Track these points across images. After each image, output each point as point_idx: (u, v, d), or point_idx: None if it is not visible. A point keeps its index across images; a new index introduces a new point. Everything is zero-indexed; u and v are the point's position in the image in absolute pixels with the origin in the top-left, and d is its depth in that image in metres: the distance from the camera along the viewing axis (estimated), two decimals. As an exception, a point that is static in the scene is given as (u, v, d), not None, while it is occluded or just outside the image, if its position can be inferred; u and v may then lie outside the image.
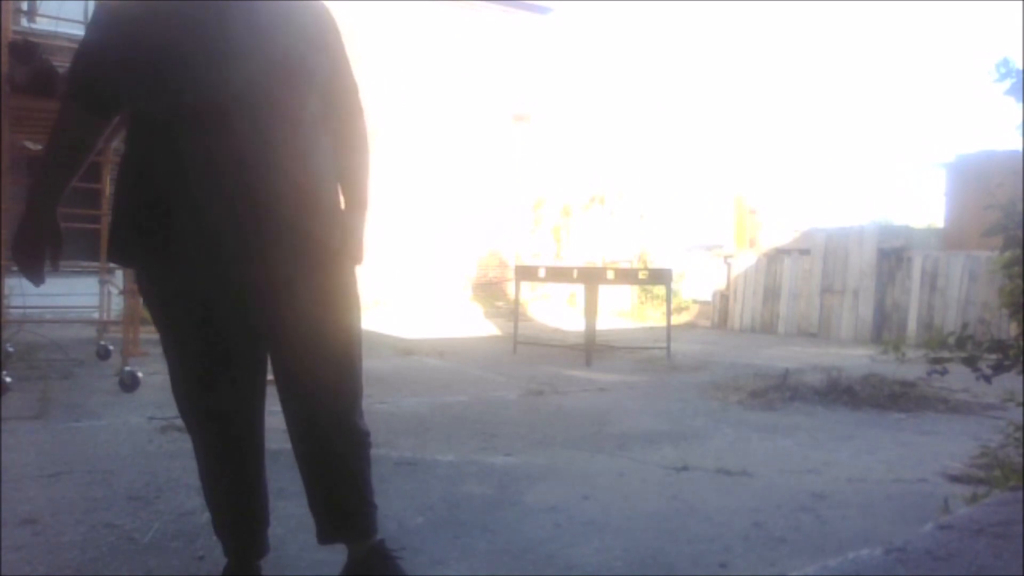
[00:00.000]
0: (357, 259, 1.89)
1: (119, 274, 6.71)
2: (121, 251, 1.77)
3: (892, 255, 10.38)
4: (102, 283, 6.76)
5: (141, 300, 6.24)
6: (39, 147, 7.65)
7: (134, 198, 1.72)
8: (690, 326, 12.08)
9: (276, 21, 1.76)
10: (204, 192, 1.65)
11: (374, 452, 1.99)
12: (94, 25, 1.74)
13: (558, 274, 9.16)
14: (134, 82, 1.68)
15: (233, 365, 1.82)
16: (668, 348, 7.69)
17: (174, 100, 1.66)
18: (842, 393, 5.17)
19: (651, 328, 11.00)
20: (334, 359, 1.83)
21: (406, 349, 7.60)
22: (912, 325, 9.91)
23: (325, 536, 1.94)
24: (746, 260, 12.13)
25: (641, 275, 9.83)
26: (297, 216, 1.72)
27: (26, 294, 6.23)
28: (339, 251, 1.83)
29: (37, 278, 1.73)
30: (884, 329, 10.21)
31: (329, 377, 1.83)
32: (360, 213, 1.91)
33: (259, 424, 1.92)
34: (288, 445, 1.92)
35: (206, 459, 1.89)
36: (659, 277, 8.78)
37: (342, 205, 1.90)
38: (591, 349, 7.33)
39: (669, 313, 8.17)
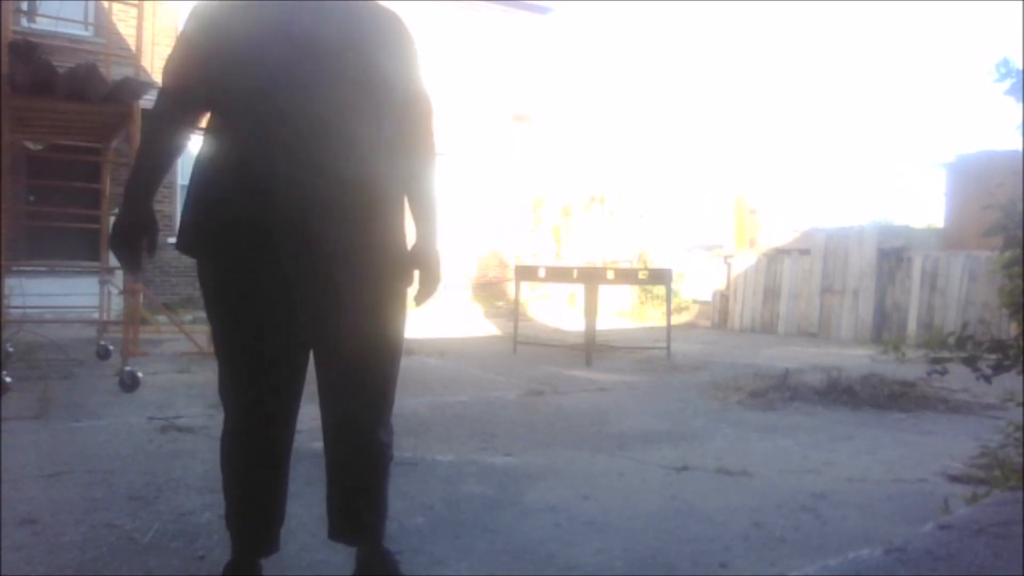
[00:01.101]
0: (438, 279, 1.96)
1: (119, 274, 6.71)
2: (186, 241, 1.81)
3: (892, 255, 10.38)
4: (102, 283, 6.76)
5: (137, 299, 6.21)
6: (39, 147, 7.66)
7: (202, 193, 1.77)
8: (690, 326, 12.08)
9: (354, 28, 1.80)
10: (266, 191, 1.69)
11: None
12: (187, 25, 1.79)
13: (558, 274, 9.16)
14: (215, 82, 1.73)
15: (280, 363, 1.84)
16: (668, 348, 7.69)
17: (243, 100, 1.72)
18: (842, 393, 5.17)
19: (651, 328, 11.00)
20: (367, 369, 1.86)
21: (406, 349, 7.56)
22: (912, 325, 9.91)
23: (333, 534, 2.00)
24: (746, 260, 12.12)
25: (641, 275, 9.82)
26: (356, 224, 1.76)
27: (26, 294, 6.24)
28: (405, 274, 1.89)
29: (135, 269, 1.80)
30: (884, 329, 10.21)
31: (359, 386, 1.88)
32: (434, 239, 1.96)
33: (294, 421, 1.94)
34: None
35: (237, 451, 1.89)
36: (659, 277, 8.78)
37: (405, 221, 1.92)
38: (591, 349, 7.33)
39: (669, 313, 8.17)
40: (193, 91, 1.76)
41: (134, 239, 1.77)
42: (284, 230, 1.70)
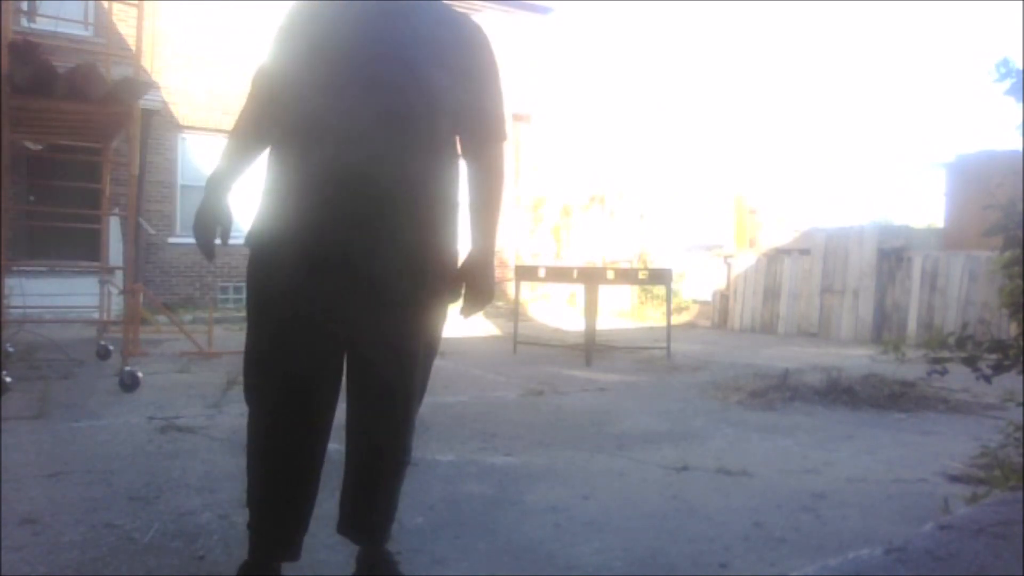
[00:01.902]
0: (487, 295, 1.96)
1: (119, 274, 6.72)
2: (249, 238, 1.88)
3: (892, 255, 10.37)
4: (102, 283, 6.76)
5: (137, 299, 6.19)
6: (39, 147, 7.66)
7: (265, 199, 1.85)
8: (690, 326, 12.08)
9: (409, 37, 1.82)
10: (316, 207, 1.75)
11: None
12: (275, 36, 1.88)
13: (558, 274, 9.15)
14: (281, 97, 1.83)
15: (315, 366, 1.84)
16: (668, 348, 7.69)
17: (302, 119, 1.79)
18: (842, 393, 5.16)
19: (651, 328, 11.00)
20: (400, 381, 1.88)
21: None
22: (912, 325, 9.91)
23: (341, 529, 2.02)
24: (746, 260, 12.12)
25: (641, 275, 9.82)
26: (401, 242, 1.78)
27: (26, 294, 6.24)
28: (450, 292, 1.92)
29: (209, 254, 1.91)
30: (884, 329, 10.21)
31: (391, 396, 1.89)
32: (487, 256, 1.97)
33: (328, 426, 1.91)
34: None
35: (264, 451, 1.87)
36: (659, 277, 8.78)
37: (456, 239, 1.93)
38: (591, 349, 7.33)
39: (669, 313, 8.16)
40: (266, 103, 1.86)
41: (210, 228, 1.87)
42: (332, 244, 1.75)
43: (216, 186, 1.88)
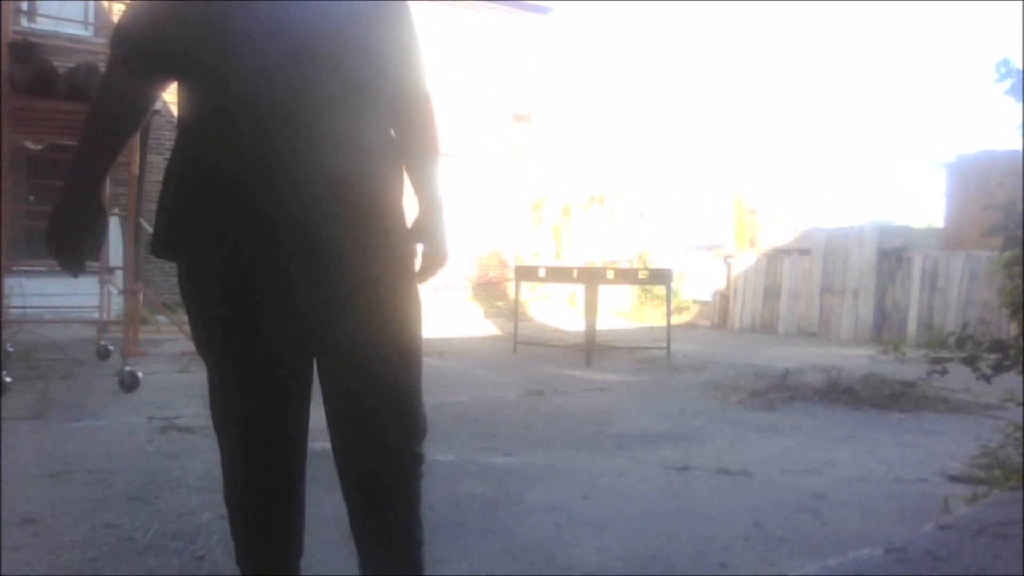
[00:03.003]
0: (443, 252, 1.77)
1: (119, 274, 6.71)
2: (163, 243, 1.55)
3: (892, 255, 10.37)
4: (102, 283, 6.76)
5: (137, 299, 6.20)
6: (39, 147, 7.65)
7: (176, 188, 1.53)
8: (690, 326, 12.08)
9: (352, 22, 1.61)
10: (264, 189, 1.49)
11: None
12: None
13: (558, 274, 9.15)
14: (184, 51, 1.46)
15: (281, 370, 1.62)
16: (668, 348, 7.69)
17: (217, 81, 1.48)
18: (842, 393, 5.17)
19: (651, 328, 11.00)
20: (382, 376, 1.62)
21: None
22: (912, 325, 9.91)
23: (366, 571, 1.69)
24: (746, 260, 12.12)
25: (641, 275, 9.82)
26: (358, 223, 1.57)
27: (26, 294, 6.24)
28: (410, 270, 1.70)
29: (74, 269, 1.50)
30: (884, 329, 10.20)
31: (383, 396, 1.63)
32: (438, 211, 1.77)
33: (304, 434, 1.70)
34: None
35: (239, 473, 1.65)
36: (659, 277, 8.78)
37: (404, 212, 1.73)
38: (591, 349, 7.33)
39: (669, 313, 8.16)
40: (158, 56, 1.45)
41: (76, 235, 1.46)
42: (283, 228, 1.52)
43: (86, 178, 1.45)
